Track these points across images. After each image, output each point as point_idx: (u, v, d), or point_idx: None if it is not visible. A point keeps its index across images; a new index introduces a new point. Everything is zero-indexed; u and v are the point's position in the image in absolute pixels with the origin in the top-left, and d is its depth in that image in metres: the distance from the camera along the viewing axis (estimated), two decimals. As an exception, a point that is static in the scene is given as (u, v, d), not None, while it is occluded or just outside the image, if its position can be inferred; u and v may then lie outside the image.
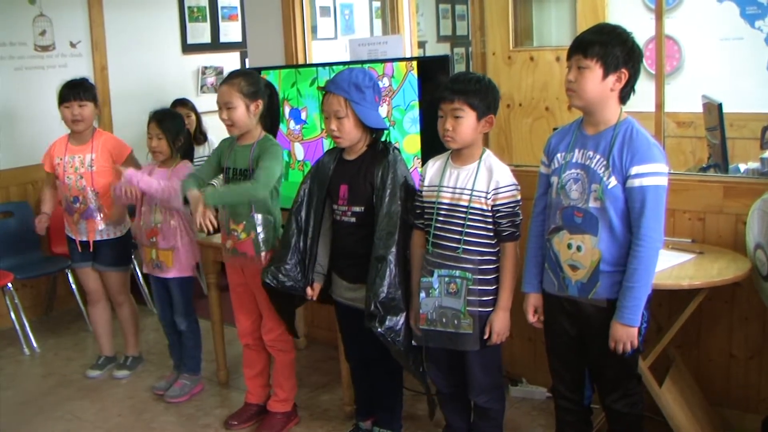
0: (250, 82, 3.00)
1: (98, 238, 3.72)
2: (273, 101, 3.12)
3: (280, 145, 3.08)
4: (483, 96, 2.51)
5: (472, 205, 2.54)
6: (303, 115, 3.46)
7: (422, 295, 2.61)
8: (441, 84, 2.60)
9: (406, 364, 2.75)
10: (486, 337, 2.56)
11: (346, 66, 3.03)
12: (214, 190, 2.96)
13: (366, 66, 3.07)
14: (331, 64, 3.38)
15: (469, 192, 2.55)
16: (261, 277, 2.88)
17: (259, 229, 3.01)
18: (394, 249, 2.62)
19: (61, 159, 3.70)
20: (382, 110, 3.00)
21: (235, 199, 2.99)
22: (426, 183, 2.66)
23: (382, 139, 2.79)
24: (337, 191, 2.79)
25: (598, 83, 2.28)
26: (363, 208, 2.74)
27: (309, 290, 2.84)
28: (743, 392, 2.97)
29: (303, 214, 2.82)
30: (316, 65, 3.47)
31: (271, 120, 3.11)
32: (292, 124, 3.50)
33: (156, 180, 3.35)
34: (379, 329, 2.61)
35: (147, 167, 3.55)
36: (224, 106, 2.97)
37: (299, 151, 3.49)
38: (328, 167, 2.82)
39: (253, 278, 3.05)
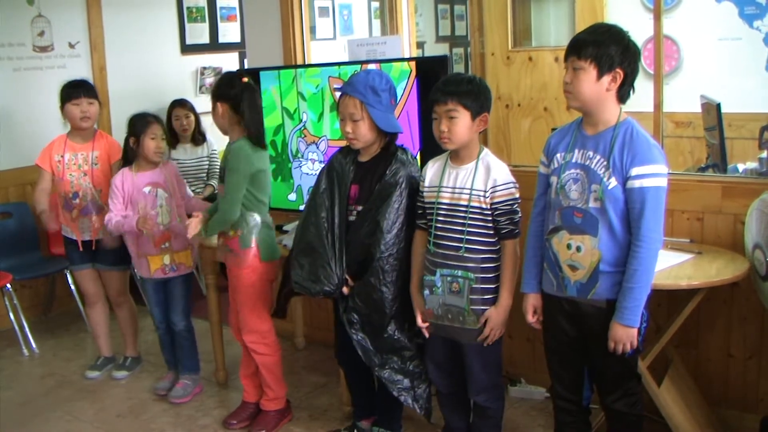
0: (217, 84, 3.19)
1: (101, 236, 3.71)
2: (252, 104, 3.07)
3: (245, 147, 3.03)
4: (476, 96, 2.52)
5: (472, 204, 2.54)
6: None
7: (426, 292, 2.63)
8: (433, 87, 2.60)
9: (369, 362, 2.76)
10: (480, 326, 2.56)
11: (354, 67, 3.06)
12: (209, 225, 3.15)
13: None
14: (330, 65, 3.39)
15: (468, 191, 2.55)
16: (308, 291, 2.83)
17: (243, 225, 3.08)
18: (383, 247, 2.63)
19: (61, 157, 3.69)
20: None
21: (221, 226, 3.12)
22: (426, 183, 2.67)
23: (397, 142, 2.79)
24: (348, 192, 2.80)
25: (593, 84, 2.27)
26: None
27: (345, 288, 2.75)
28: (742, 392, 2.98)
29: (325, 214, 2.76)
30: (316, 65, 3.47)
31: (245, 122, 3.05)
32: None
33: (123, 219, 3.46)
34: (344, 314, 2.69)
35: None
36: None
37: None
38: (348, 168, 2.81)
39: (235, 277, 3.15)
